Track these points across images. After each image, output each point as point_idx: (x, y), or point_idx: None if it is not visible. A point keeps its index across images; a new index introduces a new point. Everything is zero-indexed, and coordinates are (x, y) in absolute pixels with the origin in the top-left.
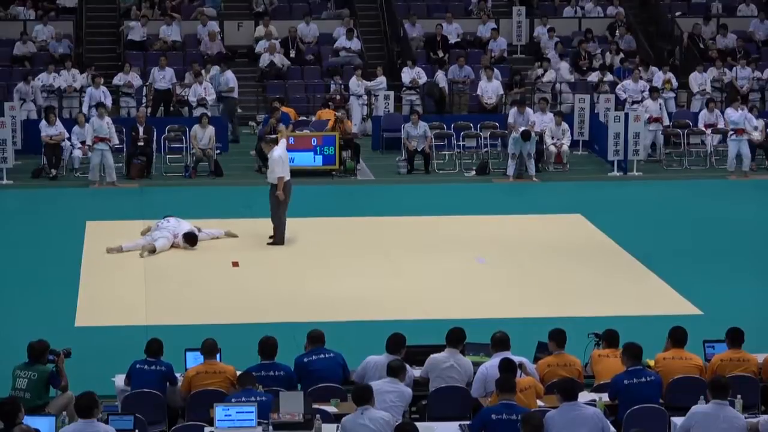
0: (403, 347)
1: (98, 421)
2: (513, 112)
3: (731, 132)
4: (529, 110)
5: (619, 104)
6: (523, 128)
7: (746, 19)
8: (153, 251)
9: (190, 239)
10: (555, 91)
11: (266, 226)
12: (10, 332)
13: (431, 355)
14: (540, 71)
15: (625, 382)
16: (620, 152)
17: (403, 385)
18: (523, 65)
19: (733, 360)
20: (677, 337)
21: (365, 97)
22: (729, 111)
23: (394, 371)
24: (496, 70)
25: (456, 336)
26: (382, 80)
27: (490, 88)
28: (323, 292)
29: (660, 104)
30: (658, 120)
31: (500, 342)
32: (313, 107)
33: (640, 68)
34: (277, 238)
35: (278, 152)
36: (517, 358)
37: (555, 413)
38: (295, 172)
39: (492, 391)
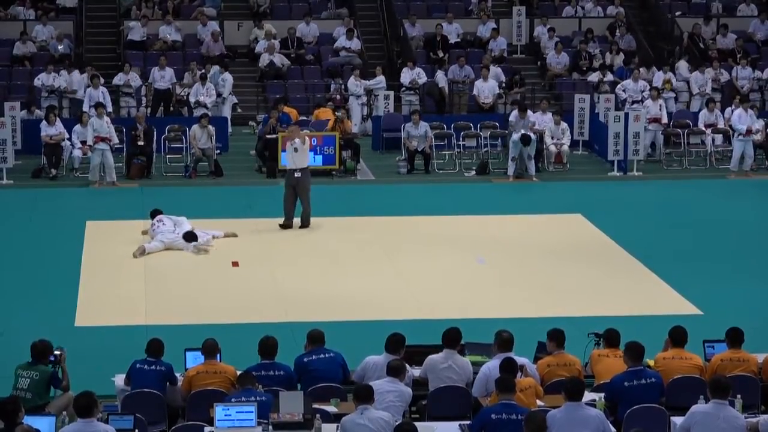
0: (403, 347)
1: (98, 421)
2: (515, 113)
3: (738, 133)
4: (530, 113)
5: (619, 104)
6: (523, 132)
7: (746, 19)
8: (143, 252)
9: (191, 238)
10: (555, 91)
11: (266, 225)
12: (11, 332)
13: (429, 356)
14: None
15: (626, 384)
16: (620, 152)
17: (403, 385)
18: (523, 65)
19: (733, 360)
20: (677, 337)
21: (364, 97)
22: (739, 112)
23: (395, 371)
24: (493, 69)
25: (452, 337)
26: (381, 80)
27: (487, 88)
28: (323, 291)
29: (660, 104)
30: (658, 120)
31: (505, 342)
32: (313, 107)
33: (640, 69)
34: (308, 221)
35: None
36: (518, 359)
37: (558, 412)
38: None
39: (492, 390)
